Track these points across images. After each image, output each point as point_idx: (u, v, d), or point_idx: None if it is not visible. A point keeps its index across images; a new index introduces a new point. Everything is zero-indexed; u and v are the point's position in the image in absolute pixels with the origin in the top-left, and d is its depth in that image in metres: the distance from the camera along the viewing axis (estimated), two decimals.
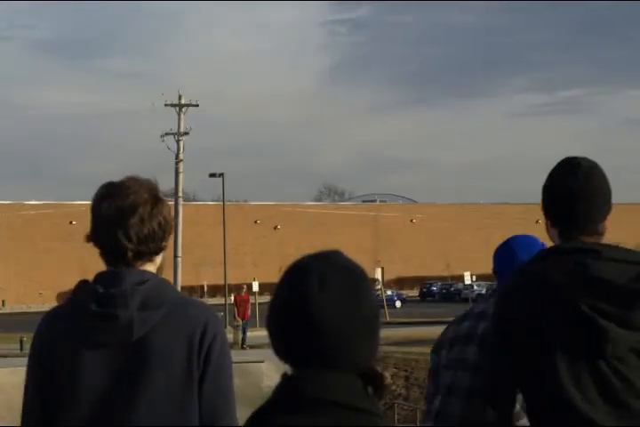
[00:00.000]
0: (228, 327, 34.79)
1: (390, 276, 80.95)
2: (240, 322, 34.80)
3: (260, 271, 67.91)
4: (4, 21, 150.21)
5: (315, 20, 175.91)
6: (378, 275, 76.13)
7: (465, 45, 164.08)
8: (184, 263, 47.60)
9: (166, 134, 47.83)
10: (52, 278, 68.20)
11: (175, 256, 44.27)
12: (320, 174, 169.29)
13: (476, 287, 66.86)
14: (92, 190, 2.77)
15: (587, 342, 2.63)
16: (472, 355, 3.40)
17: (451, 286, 73.67)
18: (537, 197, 2.88)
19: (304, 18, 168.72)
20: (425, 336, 35.47)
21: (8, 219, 70.04)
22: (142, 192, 2.73)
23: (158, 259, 2.79)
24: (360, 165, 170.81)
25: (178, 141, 47.53)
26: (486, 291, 64.18)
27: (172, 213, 2.89)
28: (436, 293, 74.42)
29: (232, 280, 51.56)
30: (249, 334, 34.72)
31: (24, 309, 64.61)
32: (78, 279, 2.78)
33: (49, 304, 48.83)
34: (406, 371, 28.85)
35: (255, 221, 79.43)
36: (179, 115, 48.14)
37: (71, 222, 67.40)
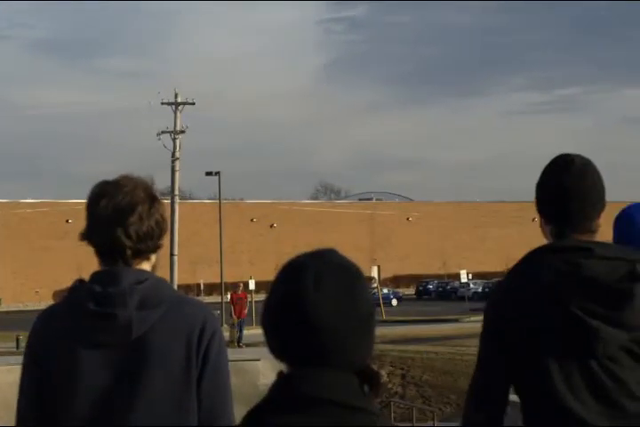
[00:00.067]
0: (225, 325, 34.82)
1: (387, 274, 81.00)
2: (236, 320, 34.79)
3: (256, 269, 67.85)
4: (3, 21, 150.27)
5: (311, 19, 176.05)
6: (374, 273, 76.26)
7: (462, 45, 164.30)
8: (180, 262, 47.54)
9: (162, 133, 47.77)
10: (49, 277, 68.16)
11: (171, 254, 44.22)
12: (316, 173, 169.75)
13: (472, 286, 66.91)
14: (89, 189, 2.77)
15: (578, 342, 2.63)
16: None
17: (447, 284, 73.68)
18: (533, 195, 2.87)
19: (302, 17, 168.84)
20: (421, 334, 35.50)
21: (4, 217, 69.97)
22: (139, 191, 2.73)
23: (154, 257, 2.79)
24: (357, 163, 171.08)
25: (174, 140, 47.46)
26: (482, 289, 64.35)
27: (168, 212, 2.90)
28: (432, 291, 74.41)
29: (228, 278, 51.58)
30: (245, 332, 34.77)
31: (20, 307, 64.57)
32: (75, 278, 2.78)
33: (45, 302, 48.86)
34: (402, 369, 28.83)
35: (251, 220, 79.42)
36: (175, 113, 48.09)
37: (67, 221, 67.32)
